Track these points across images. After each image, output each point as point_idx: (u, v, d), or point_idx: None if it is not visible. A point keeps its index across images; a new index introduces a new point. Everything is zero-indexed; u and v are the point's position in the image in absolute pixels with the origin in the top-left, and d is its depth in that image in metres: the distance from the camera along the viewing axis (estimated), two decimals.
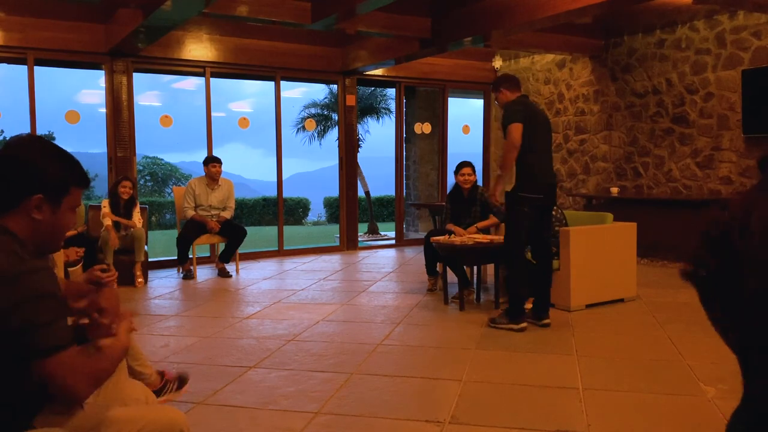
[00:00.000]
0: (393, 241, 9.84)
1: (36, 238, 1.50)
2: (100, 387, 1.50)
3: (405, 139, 10.44)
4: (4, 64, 7.31)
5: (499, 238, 5.26)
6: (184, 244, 6.90)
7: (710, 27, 7.13)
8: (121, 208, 6.44)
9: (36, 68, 7.02)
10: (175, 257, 7.10)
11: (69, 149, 1.60)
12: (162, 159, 30.56)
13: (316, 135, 18.43)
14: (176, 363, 3.71)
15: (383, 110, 17.31)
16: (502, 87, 4.59)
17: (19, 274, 1.34)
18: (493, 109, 10.10)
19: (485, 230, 5.68)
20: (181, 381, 3.05)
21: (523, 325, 4.40)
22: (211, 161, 7.17)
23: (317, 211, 22.90)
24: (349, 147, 9.19)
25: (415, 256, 8.43)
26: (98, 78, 11.67)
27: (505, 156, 4.35)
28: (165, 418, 1.62)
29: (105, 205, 6.44)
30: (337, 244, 9.46)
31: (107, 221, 6.30)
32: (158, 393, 2.84)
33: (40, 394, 1.45)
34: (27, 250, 1.44)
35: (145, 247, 6.67)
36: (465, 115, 10.92)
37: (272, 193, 17.40)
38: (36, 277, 1.36)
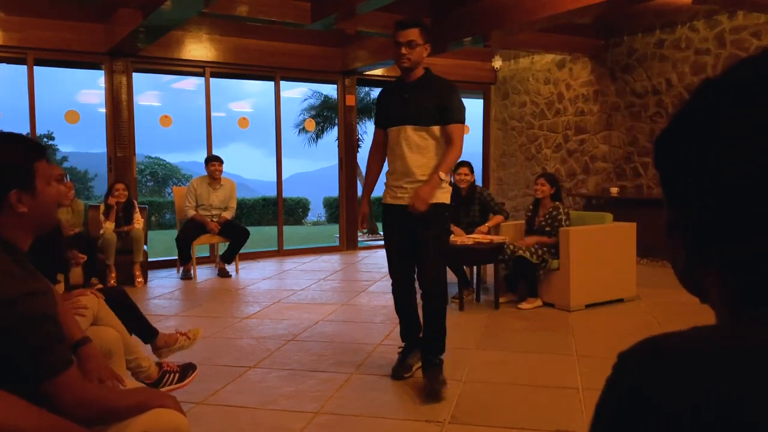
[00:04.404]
0: None
1: (31, 225, 1.49)
2: (107, 420, 1.48)
3: None
4: (4, 64, 7.31)
5: (499, 238, 5.26)
6: (184, 244, 6.89)
7: (710, 27, 7.13)
8: (120, 211, 6.41)
9: (36, 68, 7.02)
10: (175, 257, 7.09)
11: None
12: (163, 159, 30.61)
13: (315, 135, 18.46)
14: (176, 363, 3.70)
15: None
16: (429, 37, 3.28)
17: (18, 297, 1.33)
18: (493, 109, 10.10)
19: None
20: (185, 370, 3.02)
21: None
22: (211, 160, 7.16)
23: (317, 211, 22.92)
24: (348, 147, 9.19)
25: None
26: (98, 78, 11.69)
27: (453, 162, 3.31)
28: (166, 421, 1.61)
29: (101, 211, 6.43)
30: (337, 244, 9.46)
31: (106, 226, 6.31)
32: (155, 385, 2.81)
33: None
34: (20, 257, 1.43)
35: (145, 247, 6.66)
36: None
37: (272, 193, 17.41)
38: (35, 300, 1.35)
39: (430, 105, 3.21)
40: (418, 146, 3.23)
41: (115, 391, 1.54)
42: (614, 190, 7.87)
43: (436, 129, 3.23)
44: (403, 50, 3.20)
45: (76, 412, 1.40)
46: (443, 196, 3.26)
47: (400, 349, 3.58)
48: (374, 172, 3.52)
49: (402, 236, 3.35)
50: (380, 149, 3.49)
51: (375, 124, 3.52)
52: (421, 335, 3.43)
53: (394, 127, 3.31)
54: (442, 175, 3.20)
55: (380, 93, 3.54)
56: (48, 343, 1.35)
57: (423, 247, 3.27)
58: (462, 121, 3.25)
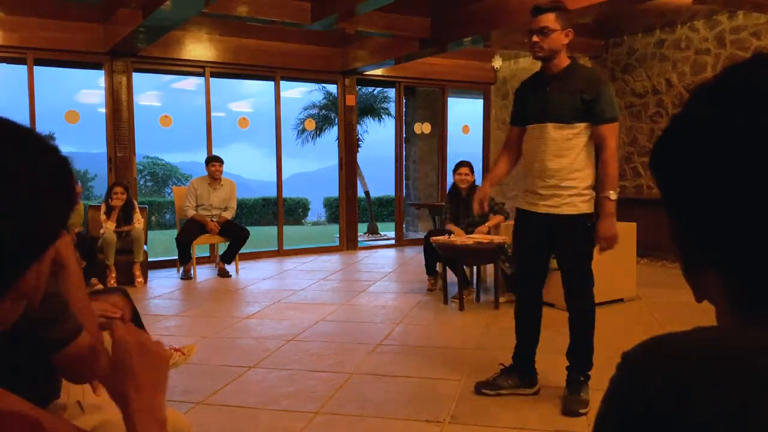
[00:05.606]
0: (393, 241, 9.82)
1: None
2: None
3: (405, 139, 10.45)
4: (4, 64, 7.31)
5: (499, 238, 5.26)
6: (184, 244, 6.89)
7: (710, 27, 7.13)
8: (120, 211, 6.41)
9: (36, 68, 7.02)
10: (175, 257, 7.09)
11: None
12: (162, 159, 30.62)
13: (311, 135, 18.44)
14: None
15: (383, 110, 17.29)
16: (569, 22, 2.93)
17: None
18: (493, 109, 10.09)
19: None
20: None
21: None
22: (211, 160, 7.18)
23: (317, 211, 22.91)
24: (348, 147, 9.19)
25: (415, 256, 8.42)
26: (98, 78, 11.67)
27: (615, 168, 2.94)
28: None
29: (102, 210, 6.44)
30: (337, 244, 9.45)
31: (107, 226, 6.30)
32: None
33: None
34: None
35: (145, 247, 6.66)
36: (465, 115, 10.92)
37: (272, 193, 17.39)
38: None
39: (572, 99, 2.88)
40: (560, 147, 2.91)
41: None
42: None
43: (581, 126, 2.89)
44: (535, 38, 2.87)
45: (98, 364, 1.41)
46: (586, 205, 2.95)
47: (501, 366, 3.27)
48: (500, 167, 3.24)
49: (536, 248, 3.12)
50: (513, 147, 3.20)
51: (511, 120, 3.22)
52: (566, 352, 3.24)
53: (533, 125, 3.01)
54: (612, 195, 2.88)
55: (519, 86, 3.17)
56: (56, 316, 1.35)
57: (566, 261, 3.06)
58: (614, 119, 2.89)
